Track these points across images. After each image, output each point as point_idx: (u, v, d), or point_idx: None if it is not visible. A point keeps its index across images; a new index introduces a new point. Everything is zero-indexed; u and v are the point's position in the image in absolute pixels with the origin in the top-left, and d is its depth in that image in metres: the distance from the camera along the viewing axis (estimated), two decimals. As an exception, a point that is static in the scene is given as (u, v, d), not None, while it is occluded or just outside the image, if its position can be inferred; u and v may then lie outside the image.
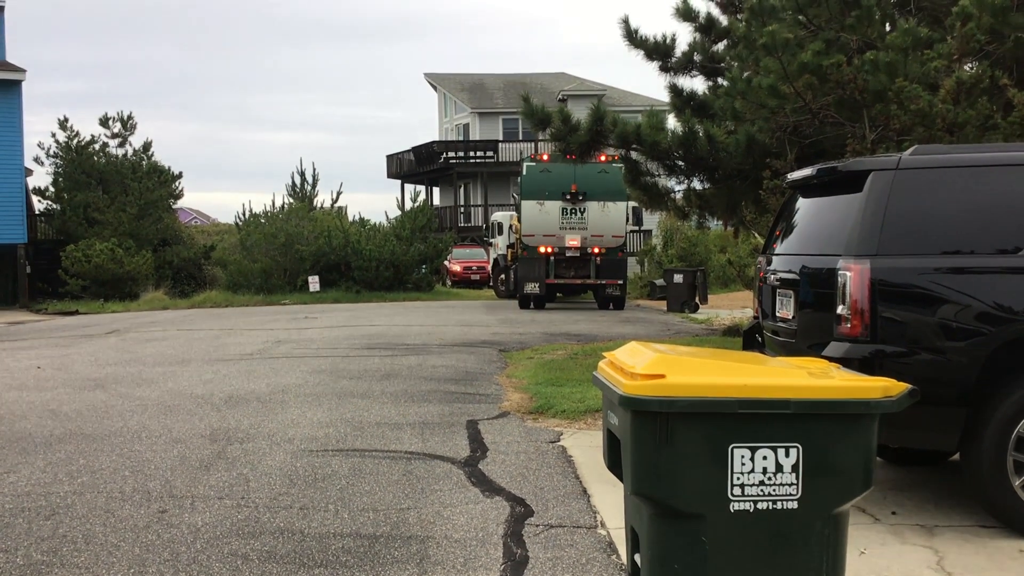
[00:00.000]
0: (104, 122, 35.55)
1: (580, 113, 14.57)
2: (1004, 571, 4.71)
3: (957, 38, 9.52)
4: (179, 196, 38.10)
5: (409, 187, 51.20)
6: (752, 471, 3.46)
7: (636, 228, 31.65)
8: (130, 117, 35.97)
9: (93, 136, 35.30)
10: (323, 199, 39.09)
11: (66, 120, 34.60)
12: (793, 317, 6.08)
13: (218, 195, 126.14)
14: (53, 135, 34.88)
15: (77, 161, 34.41)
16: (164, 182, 36.20)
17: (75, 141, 34.77)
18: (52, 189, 34.80)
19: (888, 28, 11.32)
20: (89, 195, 33.84)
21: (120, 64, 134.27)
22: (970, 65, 10.18)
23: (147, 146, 36.28)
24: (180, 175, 37.31)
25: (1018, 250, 5.24)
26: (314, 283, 31.63)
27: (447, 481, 6.42)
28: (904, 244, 5.33)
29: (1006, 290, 5.21)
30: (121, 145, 35.77)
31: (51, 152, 34.72)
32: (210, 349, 14.88)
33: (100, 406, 9.47)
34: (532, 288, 24.68)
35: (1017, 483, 5.08)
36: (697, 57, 15.36)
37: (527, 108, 14.18)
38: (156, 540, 5.17)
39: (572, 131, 13.93)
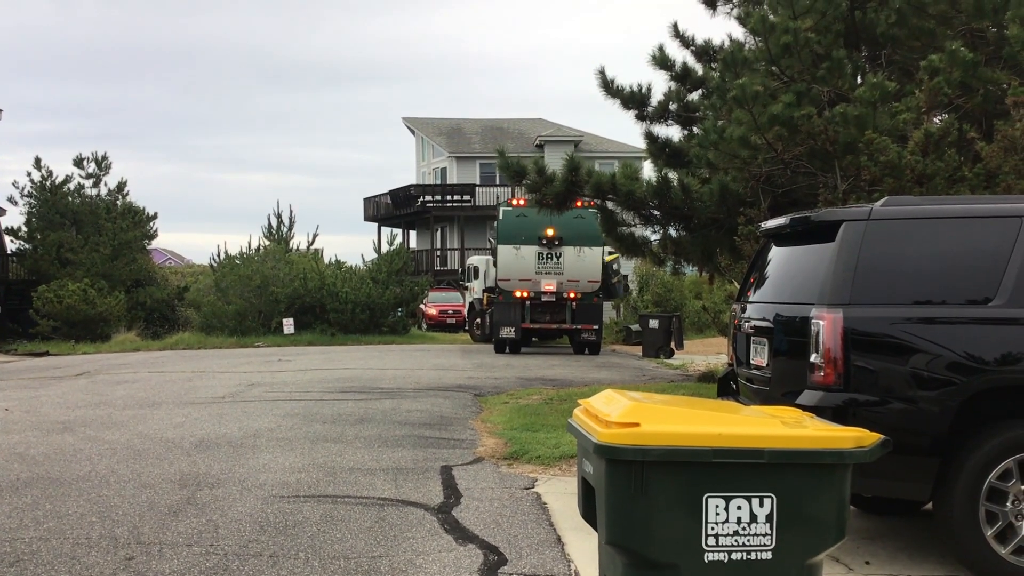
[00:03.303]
0: (78, 162, 35.44)
1: (557, 159, 14.68)
2: (977, 622, 4.70)
3: (925, 91, 9.72)
4: (153, 236, 38.02)
5: (386, 230, 51.18)
6: (727, 521, 3.45)
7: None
8: (104, 157, 35.90)
9: (67, 176, 35.25)
10: (299, 241, 38.91)
11: (39, 160, 34.55)
12: (767, 365, 6.11)
13: (193, 236, 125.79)
14: (28, 174, 34.78)
15: (51, 201, 34.27)
16: (138, 222, 36.08)
17: (49, 181, 34.65)
18: (25, 229, 34.59)
19: (859, 80, 11.53)
20: (62, 235, 33.65)
21: (96, 104, 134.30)
22: (938, 118, 10.38)
23: (121, 186, 36.19)
24: (155, 215, 37.30)
25: (988, 301, 5.31)
26: (289, 325, 31.46)
27: (420, 528, 6.36)
28: (876, 294, 5.39)
29: (977, 340, 5.27)
30: (95, 185, 35.67)
31: (25, 192, 34.59)
32: (181, 392, 14.72)
33: (68, 450, 9.32)
34: (508, 332, 24.67)
35: (989, 534, 5.10)
36: (673, 106, 15.55)
37: (502, 161, 14.22)
38: (122, 588, 5.07)
39: (547, 182, 13.97)
